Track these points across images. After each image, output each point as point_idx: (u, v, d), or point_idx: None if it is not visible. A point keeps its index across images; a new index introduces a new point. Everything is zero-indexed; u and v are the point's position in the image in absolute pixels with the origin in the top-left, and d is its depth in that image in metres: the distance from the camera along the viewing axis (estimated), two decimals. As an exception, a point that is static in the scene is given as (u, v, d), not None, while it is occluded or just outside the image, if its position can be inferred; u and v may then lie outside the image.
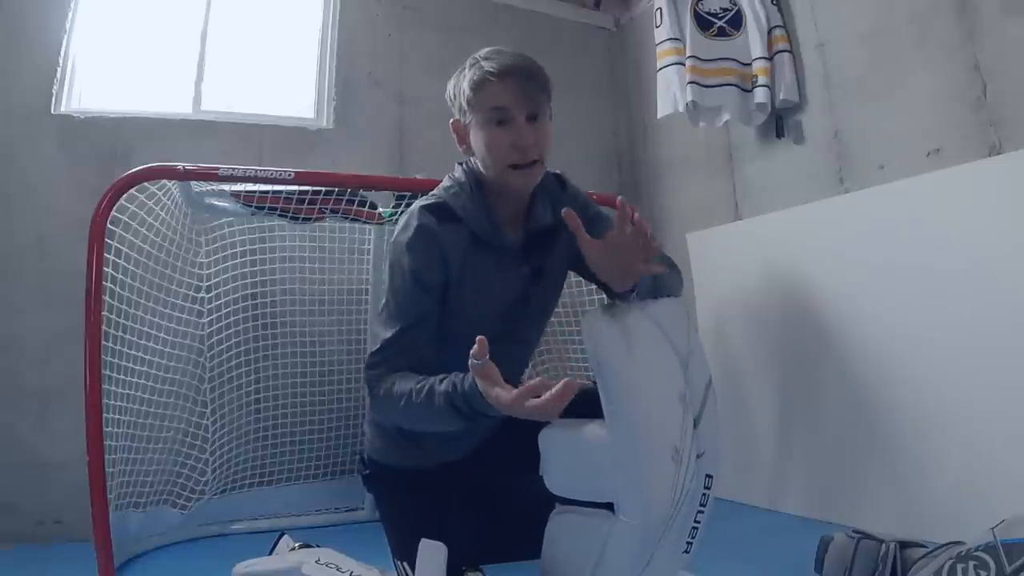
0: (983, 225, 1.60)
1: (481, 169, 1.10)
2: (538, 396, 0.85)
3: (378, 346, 1.05)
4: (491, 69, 1.03)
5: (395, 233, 1.09)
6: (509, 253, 1.11)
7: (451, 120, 1.13)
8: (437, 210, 1.07)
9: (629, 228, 0.92)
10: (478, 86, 1.04)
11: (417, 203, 1.10)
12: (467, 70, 1.07)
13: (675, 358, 1.03)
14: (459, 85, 1.08)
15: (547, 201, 1.15)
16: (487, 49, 1.09)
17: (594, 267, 0.99)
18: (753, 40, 2.25)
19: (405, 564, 1.07)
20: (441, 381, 0.96)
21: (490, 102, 1.04)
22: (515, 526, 1.10)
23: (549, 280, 1.18)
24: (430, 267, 1.05)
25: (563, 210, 0.95)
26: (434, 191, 1.13)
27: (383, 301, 1.09)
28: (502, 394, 0.87)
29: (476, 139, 1.07)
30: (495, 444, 1.17)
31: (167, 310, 2.03)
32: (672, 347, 1.03)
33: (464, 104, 1.07)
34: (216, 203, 2.03)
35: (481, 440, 1.17)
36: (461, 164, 1.14)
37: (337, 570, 1.04)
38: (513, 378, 1.24)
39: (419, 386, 0.97)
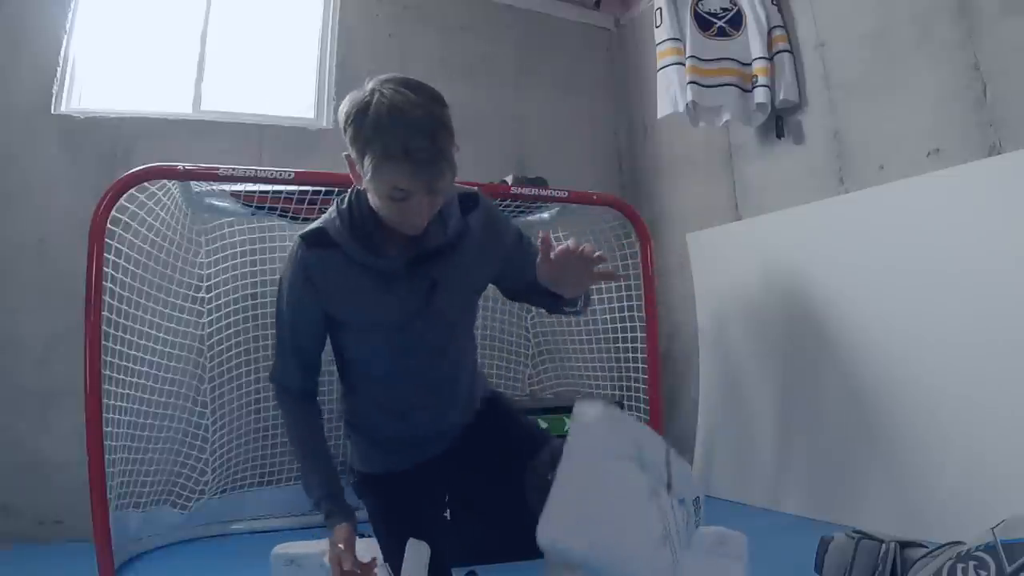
0: (983, 225, 1.60)
1: (371, 204, 1.05)
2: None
3: (272, 364, 1.19)
4: (394, 151, 0.92)
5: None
6: (394, 272, 1.08)
7: (344, 153, 1.01)
8: (312, 237, 1.08)
9: (576, 257, 0.96)
10: (380, 164, 0.94)
11: (300, 232, 1.12)
12: (367, 128, 0.94)
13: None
14: (357, 141, 0.96)
15: (442, 220, 1.09)
16: (392, 92, 0.93)
17: (546, 280, 1.01)
18: (753, 40, 2.25)
19: (388, 567, 1.07)
20: (317, 472, 1.12)
21: (391, 183, 0.95)
22: (497, 526, 1.11)
23: (450, 291, 1.13)
24: (303, 296, 1.09)
25: (540, 234, 0.98)
26: (319, 218, 1.12)
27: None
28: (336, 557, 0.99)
29: (371, 197, 1.01)
30: (465, 444, 1.19)
31: (167, 310, 2.03)
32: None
33: (360, 169, 0.99)
34: (216, 203, 2.04)
35: (449, 442, 1.18)
36: (349, 192, 1.10)
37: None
38: (452, 384, 1.19)
39: (301, 444, 1.17)
